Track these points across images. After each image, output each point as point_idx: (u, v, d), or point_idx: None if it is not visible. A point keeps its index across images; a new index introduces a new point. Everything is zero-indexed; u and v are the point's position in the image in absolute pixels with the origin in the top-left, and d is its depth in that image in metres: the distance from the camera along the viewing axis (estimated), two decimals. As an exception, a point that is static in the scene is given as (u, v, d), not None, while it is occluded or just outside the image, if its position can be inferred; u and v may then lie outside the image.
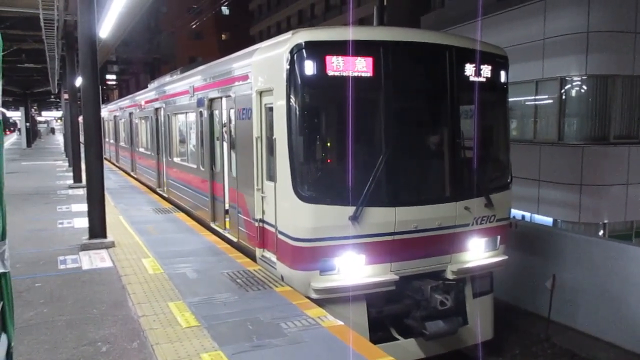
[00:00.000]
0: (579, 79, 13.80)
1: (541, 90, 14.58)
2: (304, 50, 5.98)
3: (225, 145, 8.96)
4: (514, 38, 14.39)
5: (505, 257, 7.32)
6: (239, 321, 5.35)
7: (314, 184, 6.18)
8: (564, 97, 13.97)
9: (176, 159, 12.59)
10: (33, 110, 55.93)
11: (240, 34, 61.21)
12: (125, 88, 58.39)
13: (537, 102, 14.80)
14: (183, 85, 11.26)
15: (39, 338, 5.10)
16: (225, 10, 66.33)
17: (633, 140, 13.89)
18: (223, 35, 68.25)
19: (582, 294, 8.57)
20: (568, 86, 13.96)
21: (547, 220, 14.35)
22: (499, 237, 7.21)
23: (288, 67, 6.05)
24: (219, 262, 7.58)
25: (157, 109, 14.28)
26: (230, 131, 8.43)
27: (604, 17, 13.30)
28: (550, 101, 14.35)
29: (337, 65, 5.97)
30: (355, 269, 6.20)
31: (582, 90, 13.92)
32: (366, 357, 4.58)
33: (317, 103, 6.38)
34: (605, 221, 13.85)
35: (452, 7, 18.99)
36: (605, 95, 13.64)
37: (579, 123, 14.03)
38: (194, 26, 55.85)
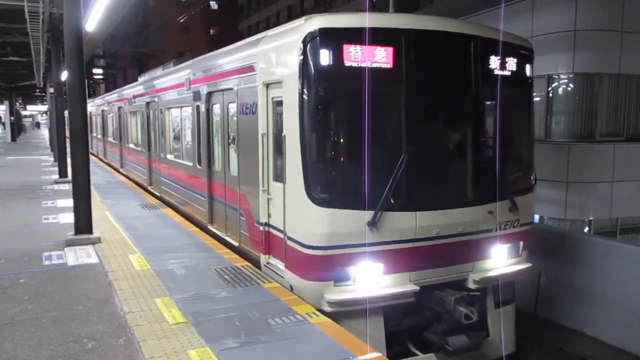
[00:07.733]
0: (566, 76, 13.92)
1: (529, 88, 14.67)
2: (318, 38, 5.42)
3: (224, 142, 8.30)
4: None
5: (529, 265, 6.80)
6: (226, 317, 5.33)
7: (328, 185, 5.65)
8: (551, 94, 14.09)
9: (169, 156, 12.00)
10: (18, 104, 55.16)
11: (229, 29, 60.86)
12: (112, 82, 57.77)
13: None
14: (178, 78, 10.67)
15: (24, 335, 5.04)
16: (213, 4, 65.93)
17: (618, 138, 14.05)
18: (211, 30, 67.82)
19: (569, 291, 8.65)
20: (555, 84, 14.07)
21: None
22: (521, 242, 6.71)
23: (301, 57, 5.51)
24: (207, 258, 7.53)
25: (148, 103, 13.75)
26: (232, 127, 7.86)
27: (591, 15, 13.41)
28: (538, 99, 14.43)
29: (355, 55, 5.42)
30: (372, 278, 5.69)
31: (569, 88, 14.04)
32: (354, 352, 4.58)
33: (333, 97, 5.84)
34: (591, 218, 14.01)
35: (439, 5, 19.05)
36: (591, 93, 13.78)
37: (566, 121, 14.16)
38: (182, 20, 55.46)
